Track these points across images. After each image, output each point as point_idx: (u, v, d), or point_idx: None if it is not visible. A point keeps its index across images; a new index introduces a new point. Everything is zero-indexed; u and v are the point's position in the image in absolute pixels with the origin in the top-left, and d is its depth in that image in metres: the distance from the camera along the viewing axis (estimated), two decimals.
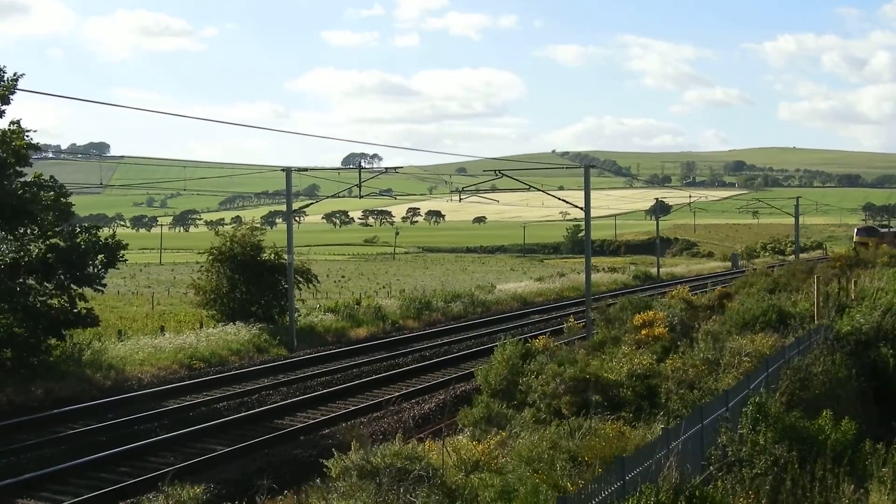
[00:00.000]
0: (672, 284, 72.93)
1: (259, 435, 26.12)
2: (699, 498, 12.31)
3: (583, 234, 44.14)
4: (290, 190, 46.66)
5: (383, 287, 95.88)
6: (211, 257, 47.85)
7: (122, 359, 34.98)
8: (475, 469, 15.91)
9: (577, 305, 57.67)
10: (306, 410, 29.81)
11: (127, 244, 35.80)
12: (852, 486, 15.54)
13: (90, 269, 33.10)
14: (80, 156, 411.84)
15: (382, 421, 27.42)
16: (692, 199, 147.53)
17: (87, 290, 34.50)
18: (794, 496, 15.02)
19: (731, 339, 27.13)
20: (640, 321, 30.68)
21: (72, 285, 32.81)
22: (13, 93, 31.57)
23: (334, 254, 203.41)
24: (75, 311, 32.33)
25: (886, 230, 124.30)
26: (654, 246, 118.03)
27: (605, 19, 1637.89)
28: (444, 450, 16.28)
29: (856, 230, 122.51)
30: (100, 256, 33.49)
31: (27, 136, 31.89)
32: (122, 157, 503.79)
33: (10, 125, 31.90)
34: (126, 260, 37.41)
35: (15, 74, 31.66)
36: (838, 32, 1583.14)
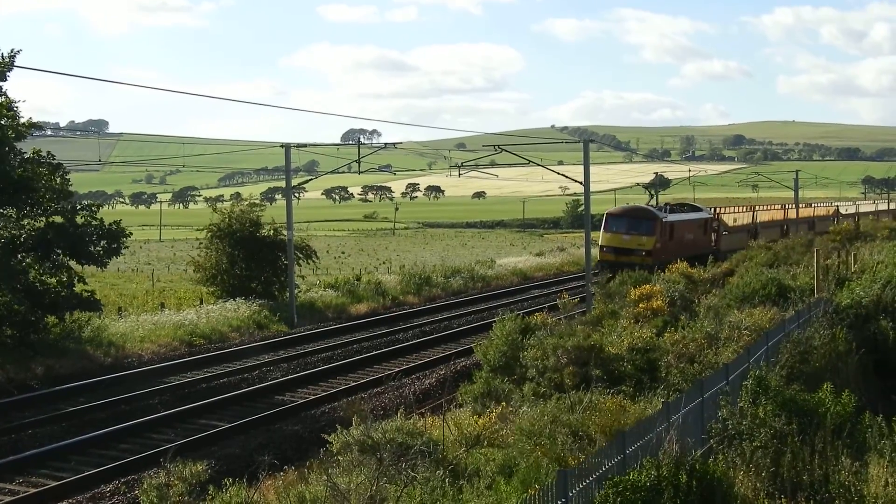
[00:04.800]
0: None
1: (260, 411, 26.18)
2: (700, 471, 12.32)
3: (582, 208, 44.90)
4: (290, 166, 46.59)
5: (383, 263, 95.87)
6: (210, 234, 47.84)
7: (122, 336, 35.01)
8: (476, 444, 15.93)
9: (577, 280, 57.80)
10: (307, 386, 29.87)
11: (131, 233, 35.68)
12: (852, 458, 15.57)
13: (91, 248, 33.03)
14: (78, 133, 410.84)
15: (383, 396, 27.47)
16: (692, 174, 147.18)
17: (87, 269, 34.47)
18: (794, 469, 15.03)
19: (730, 313, 27.14)
20: (639, 295, 30.71)
21: (71, 262, 32.80)
22: (10, 69, 31.45)
23: (334, 230, 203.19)
24: (75, 290, 32.30)
25: (672, 211, 59.34)
26: None
27: None
28: (445, 425, 16.30)
29: (605, 217, 56.04)
30: (102, 243, 33.39)
31: (15, 108, 31.79)
32: (120, 134, 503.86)
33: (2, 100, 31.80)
34: (128, 247, 37.40)
35: (12, 51, 31.56)
36: (836, 4, 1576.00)
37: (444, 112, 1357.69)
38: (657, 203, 68.34)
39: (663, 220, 54.72)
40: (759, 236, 72.43)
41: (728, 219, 70.64)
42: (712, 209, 68.85)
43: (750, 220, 76.33)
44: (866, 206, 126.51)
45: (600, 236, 54.63)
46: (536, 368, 22.81)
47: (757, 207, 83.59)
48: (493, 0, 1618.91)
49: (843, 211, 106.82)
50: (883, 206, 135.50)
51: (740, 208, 79.45)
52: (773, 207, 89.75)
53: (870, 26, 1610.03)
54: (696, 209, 65.28)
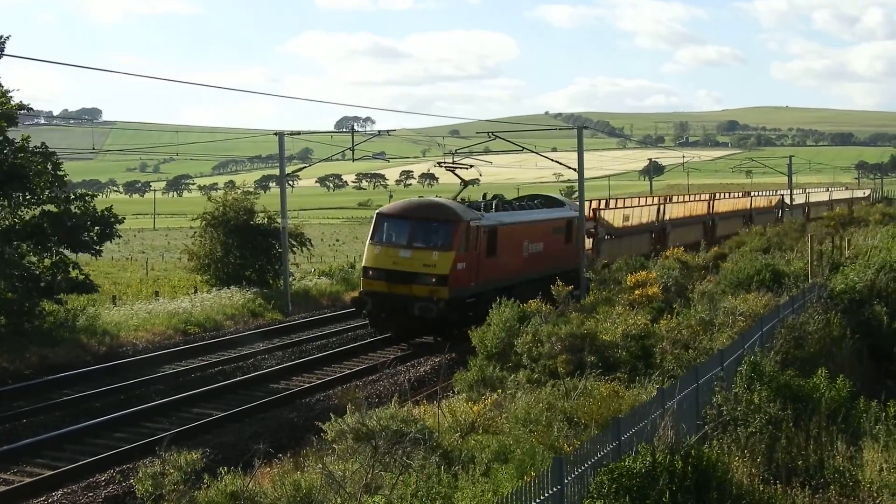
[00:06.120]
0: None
1: (255, 399, 26.17)
2: (695, 457, 12.33)
3: (577, 195, 44.13)
4: (283, 154, 46.49)
5: None
6: (204, 222, 47.76)
7: (116, 324, 34.94)
8: (471, 431, 15.94)
9: None
10: (301, 374, 29.85)
11: (123, 218, 35.61)
12: (846, 443, 15.61)
13: (85, 237, 32.96)
14: (71, 121, 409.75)
15: (378, 384, 27.45)
16: (685, 160, 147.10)
17: (82, 257, 34.37)
18: (789, 454, 15.07)
19: (725, 299, 27.17)
20: (634, 281, 30.75)
21: (66, 251, 32.74)
22: (0, 57, 31.25)
23: (328, 217, 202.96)
24: (69, 276, 32.25)
25: (503, 208, 39.64)
26: None
27: None
28: (440, 412, 16.30)
29: (375, 220, 35.27)
30: (95, 229, 33.32)
31: (8, 96, 31.67)
32: (114, 122, 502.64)
33: None
34: (120, 236, 37.34)
35: (1, 37, 31.32)
36: None
37: (439, 99, 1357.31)
38: (466, 198, 38.60)
39: (473, 222, 33.98)
40: (670, 239, 57.74)
41: (614, 217, 52.27)
42: (592, 203, 50.24)
43: (654, 218, 58.25)
44: (839, 194, 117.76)
45: (365, 252, 35.05)
46: (530, 355, 22.83)
47: (670, 199, 65.93)
48: None
49: (791, 200, 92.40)
50: (860, 193, 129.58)
51: (641, 201, 60.13)
52: (696, 198, 72.74)
53: (863, 11, 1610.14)
54: (556, 204, 45.06)
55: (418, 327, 33.73)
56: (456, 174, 39.99)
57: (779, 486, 13.70)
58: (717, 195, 75.68)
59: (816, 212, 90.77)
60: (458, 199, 37.98)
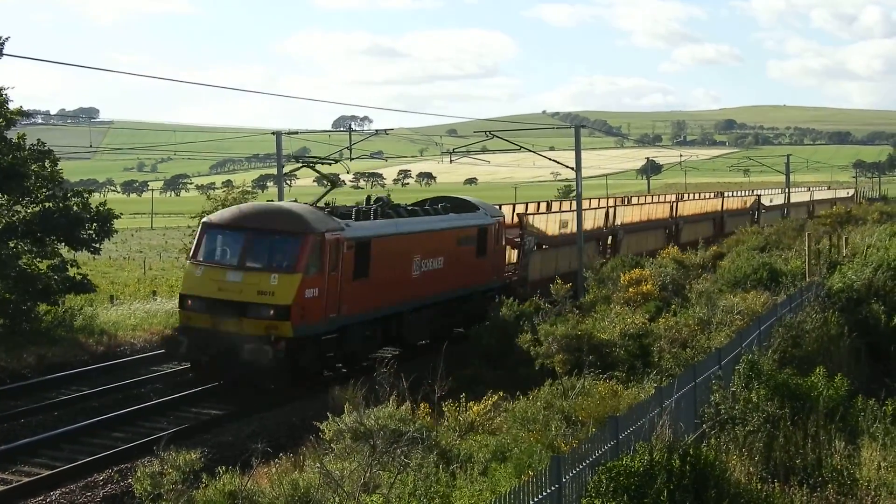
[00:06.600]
0: None
1: (253, 398, 26.10)
2: (693, 456, 12.33)
3: (574, 194, 43.72)
4: (281, 153, 46.51)
5: None
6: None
7: (114, 324, 34.91)
8: (470, 430, 15.97)
9: None
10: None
11: (120, 214, 35.60)
12: (844, 442, 15.62)
13: (83, 234, 32.97)
14: (69, 120, 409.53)
15: (375, 383, 27.35)
16: (683, 158, 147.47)
17: (80, 256, 34.32)
18: (786, 453, 15.08)
19: (722, 298, 27.21)
20: (629, 279, 30.84)
21: (64, 249, 32.76)
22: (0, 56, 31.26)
23: None
24: (67, 274, 32.26)
25: (385, 214, 30.64)
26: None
27: None
28: (438, 412, 16.32)
29: (200, 232, 27.58)
30: (94, 225, 33.32)
31: (4, 94, 31.71)
32: (111, 121, 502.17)
33: None
34: (117, 231, 37.31)
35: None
36: None
37: (436, 98, 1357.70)
38: (330, 202, 32.48)
39: (331, 234, 26.29)
40: (623, 248, 50.29)
41: (548, 223, 44.13)
42: (515, 207, 45.12)
43: (601, 224, 50.36)
44: (820, 194, 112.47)
45: (184, 273, 28.16)
46: (529, 355, 22.89)
47: (627, 200, 60.75)
48: None
49: (769, 201, 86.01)
50: (843, 193, 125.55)
51: (587, 204, 51.06)
52: (657, 199, 66.75)
53: (861, 10, 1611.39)
54: (466, 208, 36.14)
55: (261, 374, 25.17)
56: (316, 170, 33.74)
57: (777, 484, 13.71)
58: (683, 196, 70.34)
59: (797, 213, 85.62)
60: (323, 203, 30.94)
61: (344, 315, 26.70)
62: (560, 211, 48.59)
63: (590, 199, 57.88)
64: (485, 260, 35.36)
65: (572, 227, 44.34)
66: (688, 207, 65.70)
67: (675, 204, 63.33)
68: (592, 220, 48.73)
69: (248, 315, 24.88)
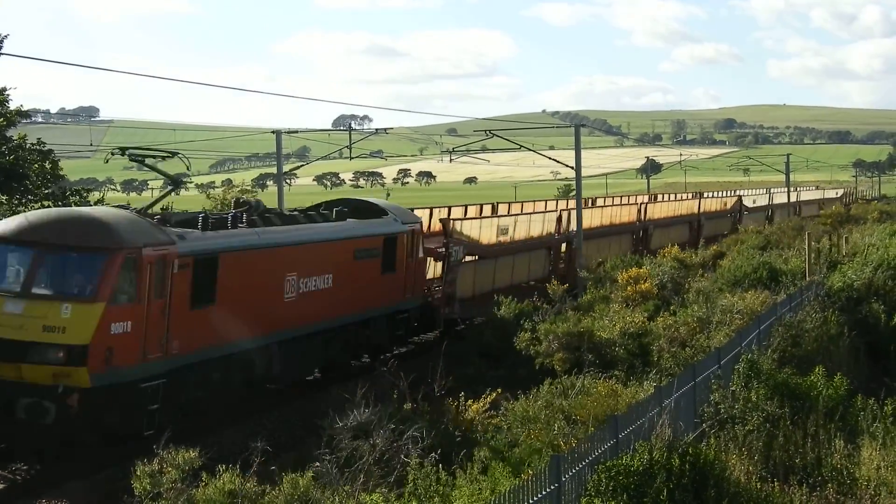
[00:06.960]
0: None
1: (254, 398, 26.09)
2: (692, 455, 12.35)
3: (574, 193, 43.65)
4: (281, 152, 46.53)
5: None
6: None
7: None
8: (470, 429, 15.97)
9: None
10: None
11: None
12: (844, 441, 15.63)
13: None
14: (69, 119, 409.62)
15: (377, 382, 27.36)
16: (683, 158, 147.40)
17: None
18: (786, 452, 15.09)
19: (722, 297, 27.22)
20: (627, 278, 30.86)
21: None
22: None
23: None
24: None
25: (250, 222, 23.90)
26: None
27: None
28: (439, 410, 16.34)
29: None
30: None
31: (6, 94, 31.78)
32: (111, 120, 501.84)
33: None
34: None
35: None
36: None
37: (436, 98, 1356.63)
38: (166, 207, 31.46)
39: (153, 250, 19.95)
40: (581, 257, 40.54)
41: (481, 230, 36.38)
42: (439, 211, 39.64)
43: (552, 230, 42.14)
44: (808, 194, 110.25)
45: None
46: (529, 353, 22.90)
47: (592, 202, 54.53)
48: None
49: (752, 202, 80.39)
50: (832, 194, 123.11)
51: (538, 206, 46.93)
52: (623, 201, 61.07)
53: (860, 9, 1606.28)
54: (370, 213, 29.82)
55: (44, 437, 18.87)
56: (157, 169, 25.99)
57: (776, 484, 13.72)
58: (655, 197, 64.95)
59: (781, 215, 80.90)
60: (158, 209, 26.61)
61: (175, 354, 20.54)
62: (497, 215, 41.71)
63: (535, 201, 53.74)
64: (393, 276, 29.42)
65: (516, 234, 38.45)
66: (659, 210, 59.02)
67: (643, 206, 56.09)
68: (541, 226, 41.23)
69: (30, 359, 18.52)
